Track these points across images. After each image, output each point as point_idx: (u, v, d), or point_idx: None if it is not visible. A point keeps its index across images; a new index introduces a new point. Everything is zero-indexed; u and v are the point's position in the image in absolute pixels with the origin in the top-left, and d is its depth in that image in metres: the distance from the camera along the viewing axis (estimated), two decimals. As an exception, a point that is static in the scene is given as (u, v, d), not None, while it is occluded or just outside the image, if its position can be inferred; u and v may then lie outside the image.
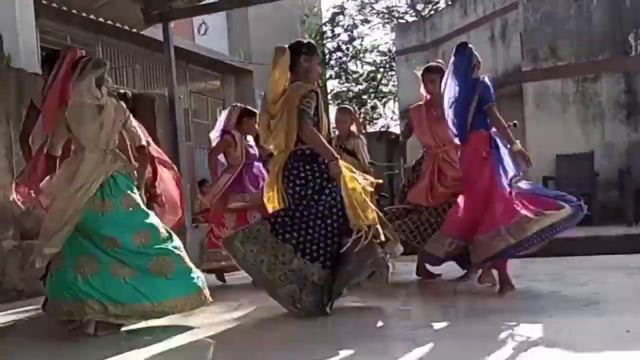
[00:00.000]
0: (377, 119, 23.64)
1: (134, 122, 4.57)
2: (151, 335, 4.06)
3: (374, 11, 23.15)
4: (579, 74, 11.41)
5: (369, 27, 23.53)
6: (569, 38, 11.46)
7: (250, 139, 6.50)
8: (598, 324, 3.67)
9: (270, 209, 4.65)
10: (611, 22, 11.26)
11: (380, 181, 4.94)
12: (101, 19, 10.65)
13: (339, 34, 22.92)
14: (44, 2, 9.32)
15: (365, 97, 23.60)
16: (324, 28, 22.75)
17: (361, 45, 23.18)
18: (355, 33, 22.85)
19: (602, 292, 4.65)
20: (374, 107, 23.63)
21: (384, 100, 24.08)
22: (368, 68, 23.80)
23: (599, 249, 7.62)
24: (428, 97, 5.73)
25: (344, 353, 3.33)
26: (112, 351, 3.66)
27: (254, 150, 6.46)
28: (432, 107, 5.64)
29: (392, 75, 22.43)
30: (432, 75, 5.62)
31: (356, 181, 4.42)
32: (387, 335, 3.87)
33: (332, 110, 23.88)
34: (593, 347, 3.16)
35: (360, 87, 23.82)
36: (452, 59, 5.17)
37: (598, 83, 11.35)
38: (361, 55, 23.32)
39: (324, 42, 22.67)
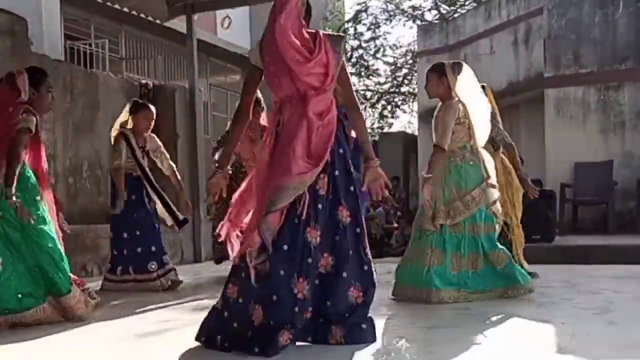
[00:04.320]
0: (397, 117, 23.64)
1: None
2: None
3: (398, 10, 23.04)
4: (602, 82, 11.34)
5: (391, 27, 23.31)
6: (593, 45, 11.38)
7: None
8: (611, 332, 3.65)
9: None
10: (636, 30, 11.17)
11: None
12: (125, 9, 10.72)
13: (361, 33, 22.88)
14: (70, -10, 9.42)
15: (388, 97, 23.53)
16: (347, 25, 22.73)
17: (382, 45, 23.10)
18: (378, 31, 22.77)
19: (616, 301, 4.62)
20: (396, 106, 23.58)
21: (404, 100, 24.01)
22: (389, 67, 23.73)
23: (614, 259, 7.58)
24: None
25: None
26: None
27: None
28: (249, 128, 6.36)
29: (413, 76, 22.36)
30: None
31: None
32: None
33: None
34: (605, 355, 3.15)
35: (382, 87, 23.74)
36: None
37: (620, 92, 11.27)
38: (383, 53, 23.21)
39: (346, 39, 22.67)
